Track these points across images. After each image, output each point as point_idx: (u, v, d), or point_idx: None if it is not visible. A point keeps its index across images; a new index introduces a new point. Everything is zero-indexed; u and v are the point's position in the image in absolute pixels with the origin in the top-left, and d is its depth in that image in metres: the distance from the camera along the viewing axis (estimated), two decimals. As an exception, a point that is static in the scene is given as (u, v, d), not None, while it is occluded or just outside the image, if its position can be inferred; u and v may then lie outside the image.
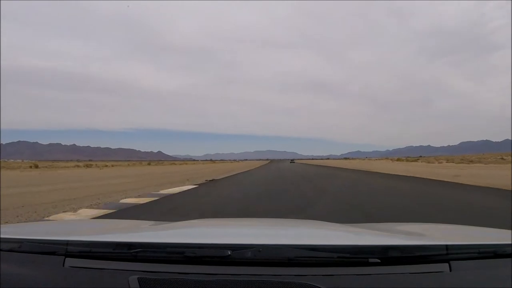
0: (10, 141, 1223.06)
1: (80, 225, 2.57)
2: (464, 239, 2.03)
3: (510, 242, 1.65)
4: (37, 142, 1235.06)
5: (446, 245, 1.57)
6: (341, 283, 1.41)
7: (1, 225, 2.01)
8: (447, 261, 1.52)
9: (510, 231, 1.97)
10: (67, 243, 1.61)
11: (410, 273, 1.47)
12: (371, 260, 1.50)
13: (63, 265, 1.53)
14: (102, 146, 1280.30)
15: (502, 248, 1.62)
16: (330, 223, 2.76)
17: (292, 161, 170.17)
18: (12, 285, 1.42)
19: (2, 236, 1.67)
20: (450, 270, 1.49)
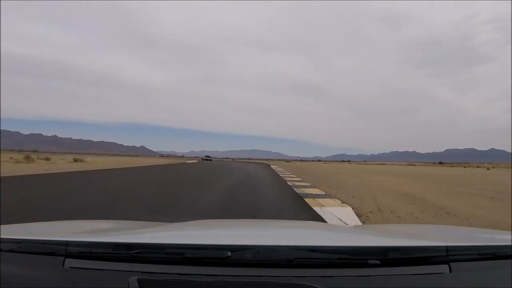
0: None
1: (80, 225, 2.60)
2: (464, 241, 2.03)
3: (510, 244, 1.66)
4: (17, 132, 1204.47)
5: (446, 247, 1.57)
6: (341, 284, 1.41)
7: (1, 225, 2.03)
8: (447, 262, 1.52)
9: (510, 232, 1.98)
10: (67, 243, 1.61)
11: (410, 274, 1.47)
12: (371, 261, 1.49)
13: (63, 266, 1.53)
14: (84, 138, 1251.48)
15: (502, 249, 1.62)
16: (330, 224, 2.81)
17: (207, 158, 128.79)
18: (12, 285, 1.42)
19: (2, 236, 1.67)
20: (450, 272, 1.49)
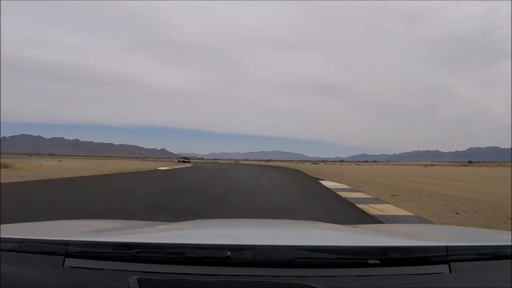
0: (13, 134, 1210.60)
1: (80, 225, 2.61)
2: (464, 240, 2.03)
3: (510, 244, 1.65)
4: (40, 136, 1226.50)
5: (446, 246, 1.57)
6: (340, 284, 1.41)
7: (1, 225, 2.04)
8: (447, 262, 1.52)
9: (510, 232, 1.99)
10: (67, 243, 1.61)
11: (410, 274, 1.47)
12: (370, 261, 1.49)
13: (63, 265, 1.53)
14: (105, 142, 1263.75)
15: (502, 249, 1.62)
16: (330, 224, 2.78)
17: (184, 159, 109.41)
18: (12, 285, 1.42)
19: (2, 236, 1.67)
20: (450, 272, 1.49)
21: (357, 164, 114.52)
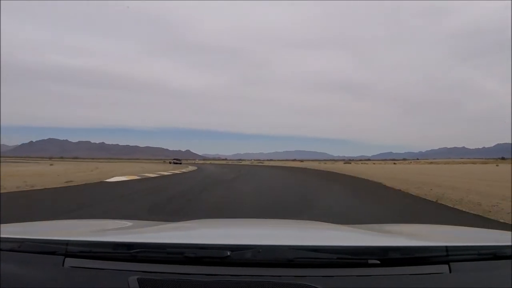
0: (41, 139, 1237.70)
1: (80, 225, 2.61)
2: (464, 241, 2.03)
3: (510, 244, 1.65)
4: (66, 140, 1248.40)
5: (446, 246, 1.57)
6: (340, 284, 1.41)
7: (1, 225, 2.04)
8: (447, 262, 1.52)
9: (510, 232, 1.97)
10: (67, 243, 1.61)
11: (409, 274, 1.46)
12: (370, 261, 1.49)
13: (63, 265, 1.53)
14: (130, 144, 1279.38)
15: (502, 249, 1.62)
16: (330, 223, 2.79)
17: (176, 161, 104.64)
18: (12, 285, 1.41)
19: (2, 235, 1.67)
20: (450, 272, 1.48)
21: (394, 163, 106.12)
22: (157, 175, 29.52)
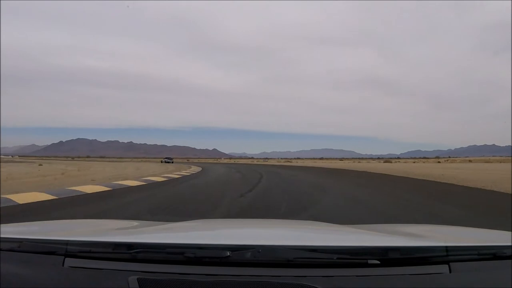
0: (70, 139, 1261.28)
1: (80, 224, 2.61)
2: (464, 241, 2.03)
3: (510, 244, 1.65)
4: (95, 140, 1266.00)
5: (446, 247, 1.57)
6: (340, 285, 1.40)
7: (1, 225, 2.05)
8: (447, 262, 1.52)
9: (510, 232, 1.97)
10: (67, 243, 1.61)
11: (409, 274, 1.46)
12: (370, 261, 1.49)
13: (63, 265, 1.53)
14: (158, 144, 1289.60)
15: (501, 249, 1.62)
16: (330, 224, 2.80)
17: (167, 159, 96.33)
18: (12, 285, 1.41)
19: (2, 235, 1.67)
20: (450, 272, 1.48)
21: (438, 162, 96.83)
22: (124, 187, 16.20)
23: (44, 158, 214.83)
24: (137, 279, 1.40)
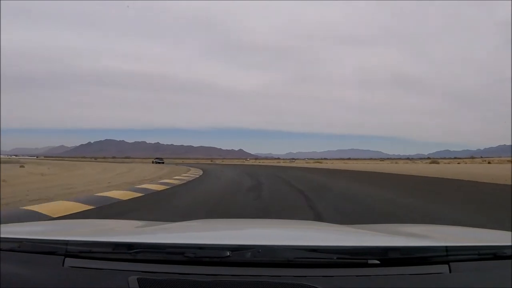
0: (98, 140, 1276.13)
1: (80, 225, 2.62)
2: (464, 241, 2.03)
3: (510, 244, 1.65)
4: (123, 141, 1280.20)
5: (446, 247, 1.57)
6: (340, 284, 1.40)
7: (1, 225, 2.04)
8: (447, 262, 1.52)
9: (510, 232, 1.97)
10: (67, 243, 1.61)
11: (409, 274, 1.46)
12: (370, 261, 1.49)
13: (63, 265, 1.53)
14: (184, 144, 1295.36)
15: (501, 249, 1.61)
16: (330, 224, 2.80)
17: (158, 160, 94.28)
18: (12, 285, 1.41)
19: (2, 235, 1.66)
20: (450, 272, 1.48)
21: (488, 162, 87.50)
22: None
23: (67, 158, 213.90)
24: (137, 279, 1.40)
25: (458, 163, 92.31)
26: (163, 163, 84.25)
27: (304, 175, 31.27)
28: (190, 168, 46.24)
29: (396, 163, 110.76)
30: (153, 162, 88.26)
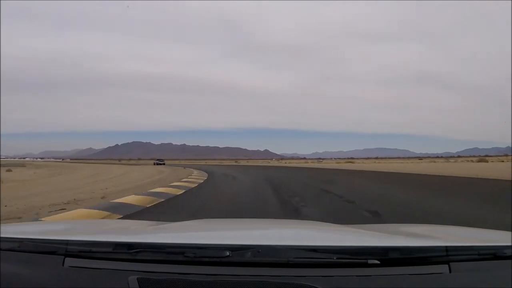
0: (126, 142, 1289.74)
1: (80, 224, 2.61)
2: (464, 241, 2.03)
3: (510, 244, 1.65)
4: (149, 142, 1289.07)
5: (446, 247, 1.56)
6: (340, 284, 1.40)
7: (1, 225, 2.02)
8: (447, 262, 1.52)
9: (510, 232, 1.97)
10: (67, 242, 1.60)
11: (409, 274, 1.46)
12: (370, 261, 1.49)
13: (63, 265, 1.52)
14: (210, 145, 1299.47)
15: (501, 249, 1.61)
16: (330, 224, 2.81)
17: (159, 161, 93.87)
18: (12, 285, 1.41)
19: (2, 235, 1.66)
20: (450, 272, 1.48)
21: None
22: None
23: (90, 161, 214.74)
24: (137, 279, 1.40)
25: (502, 161, 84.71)
26: (163, 164, 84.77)
27: (367, 186, 18.66)
28: (192, 171, 36.35)
29: (434, 162, 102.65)
30: (154, 164, 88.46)
